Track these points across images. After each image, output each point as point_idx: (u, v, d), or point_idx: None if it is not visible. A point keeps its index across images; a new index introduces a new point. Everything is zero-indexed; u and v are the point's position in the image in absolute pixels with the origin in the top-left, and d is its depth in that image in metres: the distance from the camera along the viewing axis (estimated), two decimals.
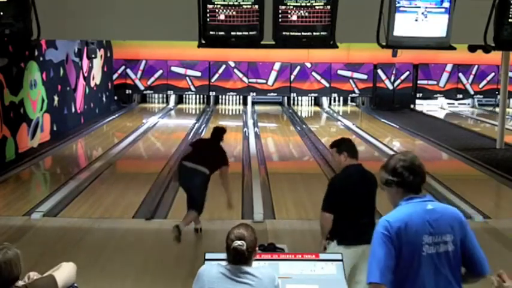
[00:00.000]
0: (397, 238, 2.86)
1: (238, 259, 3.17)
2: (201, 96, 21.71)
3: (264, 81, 21.20)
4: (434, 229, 2.91)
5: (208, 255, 3.67)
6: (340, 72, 21.33)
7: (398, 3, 5.49)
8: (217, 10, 5.38)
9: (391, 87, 21.61)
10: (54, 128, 13.61)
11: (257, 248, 3.30)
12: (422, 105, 22.17)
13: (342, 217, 4.55)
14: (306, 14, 5.44)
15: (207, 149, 6.93)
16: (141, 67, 21.14)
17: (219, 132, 7.09)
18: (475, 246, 2.99)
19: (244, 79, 21.19)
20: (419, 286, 2.91)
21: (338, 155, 4.67)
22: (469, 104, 22.74)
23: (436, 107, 22.33)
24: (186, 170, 6.73)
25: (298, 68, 21.14)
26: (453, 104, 22.54)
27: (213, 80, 21.16)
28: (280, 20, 5.44)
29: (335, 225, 4.58)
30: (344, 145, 4.69)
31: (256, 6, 5.38)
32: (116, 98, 20.41)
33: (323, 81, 21.37)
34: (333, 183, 4.67)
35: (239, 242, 3.16)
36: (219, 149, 6.96)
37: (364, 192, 4.57)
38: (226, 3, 5.37)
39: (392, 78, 21.56)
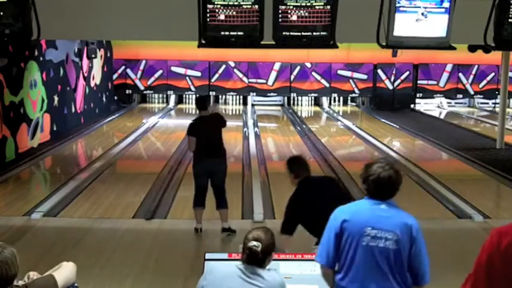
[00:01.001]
0: (341, 226, 3.18)
1: (252, 259, 3.22)
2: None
3: (264, 81, 21.20)
4: (379, 224, 3.12)
5: (208, 255, 3.67)
6: (340, 72, 21.33)
7: (398, 3, 5.49)
8: (217, 10, 5.38)
9: (391, 87, 21.61)
10: (54, 128, 13.61)
11: (273, 253, 3.34)
12: (420, 104, 22.20)
13: (317, 224, 4.42)
14: (306, 14, 5.43)
15: (211, 133, 7.02)
16: (141, 67, 21.14)
17: (203, 101, 7.42)
18: (420, 256, 3.14)
19: (244, 79, 21.19)
20: (359, 276, 3.13)
21: (289, 173, 4.85)
22: (465, 104, 22.76)
23: (433, 106, 22.38)
24: (206, 162, 6.98)
25: (298, 68, 21.14)
26: (450, 103, 22.57)
27: (213, 80, 21.17)
28: (280, 20, 5.44)
29: (316, 232, 4.52)
30: (295, 165, 4.85)
31: (256, 6, 5.38)
32: (116, 98, 20.41)
33: (323, 81, 21.37)
34: (289, 205, 4.74)
35: (255, 243, 3.21)
36: (218, 121, 7.17)
37: (323, 195, 4.61)
38: (226, 3, 5.36)
39: (392, 78, 21.56)
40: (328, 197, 4.62)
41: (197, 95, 6.52)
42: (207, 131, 7.04)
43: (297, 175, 4.79)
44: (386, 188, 3.17)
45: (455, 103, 22.63)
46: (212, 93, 21.38)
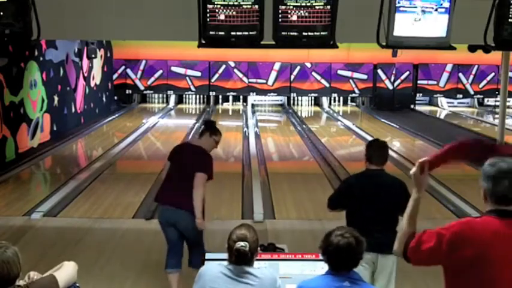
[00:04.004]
0: None
1: (241, 260, 3.17)
2: (201, 96, 21.72)
3: (264, 81, 21.20)
4: None
5: (208, 255, 3.67)
6: (340, 72, 21.33)
7: (399, 3, 5.49)
8: (217, 10, 5.37)
9: (391, 87, 21.61)
10: (54, 128, 13.61)
11: (259, 248, 3.31)
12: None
13: (351, 221, 4.45)
14: (306, 14, 5.43)
15: (183, 168, 5.16)
16: (141, 67, 21.14)
17: (210, 126, 5.42)
18: None
19: (244, 79, 21.19)
20: None
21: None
22: (467, 103, 22.71)
23: (427, 103, 22.40)
24: (162, 210, 5.31)
25: (298, 68, 21.14)
26: (453, 103, 22.52)
27: (213, 80, 21.17)
28: (280, 20, 5.44)
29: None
30: (369, 148, 4.64)
31: (256, 6, 5.37)
32: (116, 98, 20.41)
33: (323, 81, 21.37)
34: (344, 182, 4.70)
35: (242, 243, 3.16)
36: (201, 162, 5.20)
37: (377, 198, 4.45)
38: (226, 3, 5.36)
39: (392, 78, 21.57)
40: (374, 199, 4.46)
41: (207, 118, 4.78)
42: (181, 161, 5.23)
43: (367, 159, 4.59)
44: (347, 259, 2.96)
45: (458, 103, 22.54)
46: (212, 93, 21.38)
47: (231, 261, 3.20)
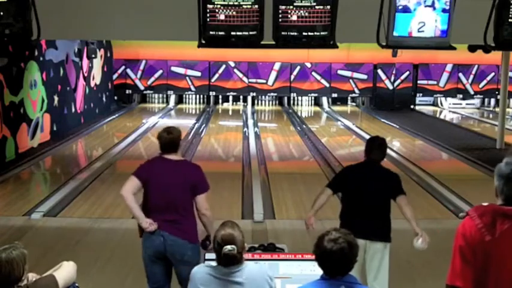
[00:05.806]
0: None
1: (230, 262, 3.16)
2: (201, 96, 21.72)
3: (264, 81, 21.20)
4: None
5: (208, 255, 3.67)
6: (340, 72, 21.33)
7: (399, 3, 5.49)
8: (217, 10, 5.38)
9: (391, 87, 21.61)
10: (54, 128, 13.61)
11: (246, 244, 3.29)
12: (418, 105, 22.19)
13: (345, 207, 4.79)
14: (306, 14, 5.43)
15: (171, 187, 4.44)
16: (141, 67, 21.14)
17: (174, 135, 4.50)
18: None
19: (244, 79, 21.19)
20: None
21: None
22: (474, 105, 22.63)
23: (429, 104, 22.38)
24: (153, 238, 4.55)
25: (298, 68, 21.13)
26: (460, 104, 22.42)
27: (213, 80, 21.16)
28: (280, 20, 5.44)
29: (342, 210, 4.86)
30: (369, 144, 4.90)
31: (256, 6, 5.38)
32: (116, 98, 20.41)
33: (323, 81, 21.37)
34: (341, 170, 5.07)
35: (229, 247, 3.12)
36: (194, 171, 4.54)
37: (369, 187, 4.67)
38: (226, 3, 5.36)
39: (392, 78, 21.56)
40: (366, 189, 4.69)
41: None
42: (167, 182, 4.46)
43: (366, 152, 4.88)
44: (340, 264, 2.85)
45: (467, 104, 22.45)
46: (212, 93, 21.38)
47: (219, 263, 3.19)
